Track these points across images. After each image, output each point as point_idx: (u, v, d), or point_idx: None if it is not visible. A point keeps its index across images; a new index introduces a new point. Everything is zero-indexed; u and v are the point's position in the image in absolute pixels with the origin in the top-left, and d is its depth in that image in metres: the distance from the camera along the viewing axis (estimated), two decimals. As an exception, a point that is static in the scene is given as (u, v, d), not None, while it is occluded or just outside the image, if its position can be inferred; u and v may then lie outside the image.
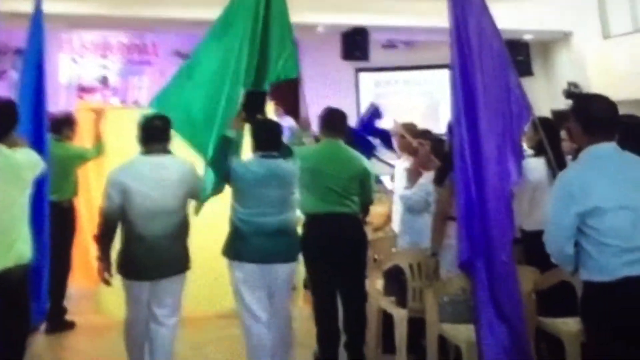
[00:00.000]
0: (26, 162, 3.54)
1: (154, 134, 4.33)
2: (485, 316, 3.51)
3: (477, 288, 3.54)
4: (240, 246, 4.35)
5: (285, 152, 4.55)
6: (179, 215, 4.33)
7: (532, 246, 4.14)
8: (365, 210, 5.16)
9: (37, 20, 5.06)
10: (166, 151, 4.38)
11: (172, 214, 4.27)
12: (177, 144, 4.56)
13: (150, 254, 4.21)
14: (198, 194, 4.48)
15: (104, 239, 4.30)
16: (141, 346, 4.35)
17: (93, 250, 6.45)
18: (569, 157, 4.36)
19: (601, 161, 2.97)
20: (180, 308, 4.44)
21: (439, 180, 4.47)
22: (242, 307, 4.37)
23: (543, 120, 4.32)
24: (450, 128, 4.43)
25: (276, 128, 4.59)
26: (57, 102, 9.20)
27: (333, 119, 5.05)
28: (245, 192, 4.37)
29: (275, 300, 4.42)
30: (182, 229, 4.37)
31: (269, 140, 4.48)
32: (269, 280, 4.36)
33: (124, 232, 4.30)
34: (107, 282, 4.32)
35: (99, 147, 6.24)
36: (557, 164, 4.05)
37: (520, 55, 10.01)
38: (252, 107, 4.55)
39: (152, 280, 4.25)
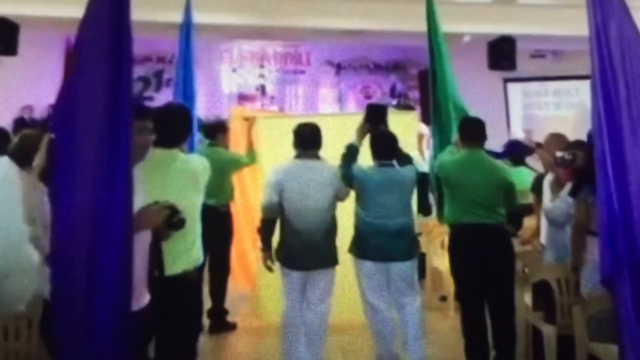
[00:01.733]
0: (201, 167, 3.65)
1: (304, 140, 4.91)
2: (628, 336, 3.39)
3: (620, 306, 3.41)
4: (364, 246, 4.83)
5: (403, 160, 4.98)
6: (329, 214, 4.86)
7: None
8: (515, 221, 5.07)
9: (187, 28, 5.38)
10: (316, 156, 4.92)
11: (323, 212, 4.82)
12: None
13: (305, 247, 4.77)
14: (344, 195, 4.94)
15: (264, 231, 4.89)
16: (297, 333, 4.83)
17: (251, 253, 6.95)
18: None
19: None
20: (330, 298, 4.92)
21: (574, 193, 4.35)
22: (364, 299, 4.88)
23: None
24: (589, 138, 4.33)
25: (393, 139, 4.96)
26: (220, 110, 9.73)
27: (473, 129, 5.01)
28: (366, 197, 4.85)
29: (395, 295, 4.86)
30: (332, 226, 4.89)
31: (386, 150, 4.93)
32: (387, 276, 4.83)
33: (282, 226, 4.88)
34: (269, 269, 4.90)
35: (251, 155, 6.29)
36: None
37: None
38: (375, 119, 4.97)
39: (307, 271, 4.80)
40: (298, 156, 4.94)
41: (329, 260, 4.87)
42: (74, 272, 2.47)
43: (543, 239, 5.18)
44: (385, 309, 4.85)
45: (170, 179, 3.44)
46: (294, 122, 5.25)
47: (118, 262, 2.53)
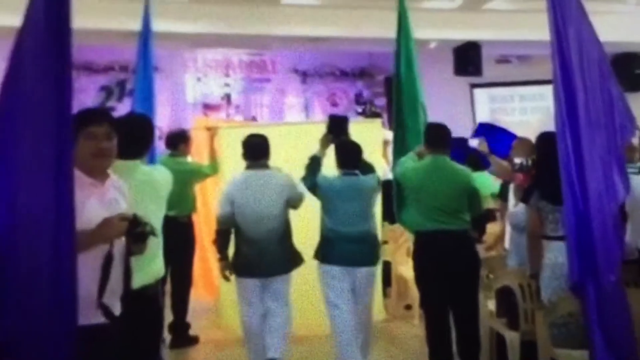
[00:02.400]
0: (162, 179, 3.59)
1: (253, 151, 5.07)
2: (597, 341, 3.35)
3: (589, 310, 3.38)
4: (328, 251, 4.94)
5: (366, 169, 5.08)
6: (281, 221, 5.01)
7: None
8: (479, 227, 5.07)
9: (145, 36, 5.30)
10: (266, 166, 5.07)
11: (274, 220, 4.96)
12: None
13: (259, 255, 4.93)
14: (296, 202, 5.09)
15: (220, 242, 5.06)
16: (258, 340, 4.95)
17: (214, 264, 6.82)
18: None
19: None
20: (290, 303, 5.08)
21: (525, 199, 4.32)
22: (327, 302, 4.95)
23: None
24: (540, 143, 4.32)
25: (356, 148, 5.08)
26: (185, 120, 9.59)
27: (438, 135, 4.99)
28: (330, 205, 4.98)
29: (357, 299, 4.95)
30: (285, 233, 5.05)
31: (350, 159, 5.03)
32: (351, 280, 4.90)
33: (237, 236, 5.05)
34: (226, 278, 5.09)
35: (213, 165, 6.27)
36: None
37: (638, 68, 9.51)
38: (337, 130, 5.16)
39: (263, 278, 4.95)
40: (248, 167, 5.09)
41: (285, 266, 5.02)
42: (17, 276, 2.42)
43: (507, 244, 5.17)
44: (348, 312, 4.90)
45: (131, 191, 3.32)
46: (257, 131, 5.35)
47: (59, 273, 2.45)
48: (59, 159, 2.48)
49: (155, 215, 3.37)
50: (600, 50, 3.57)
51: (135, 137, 3.47)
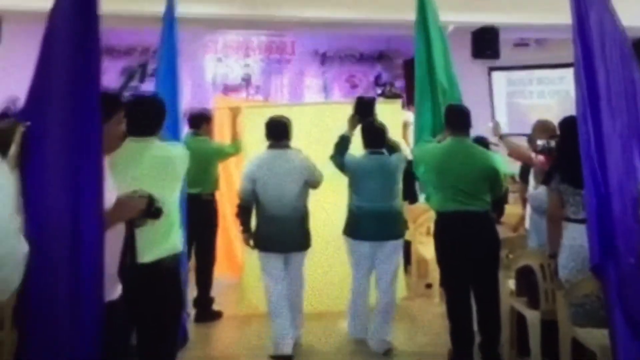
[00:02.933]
0: (178, 155, 3.64)
1: (275, 132, 5.31)
2: (618, 321, 3.42)
3: (609, 291, 3.45)
4: (356, 227, 5.30)
5: (391, 148, 5.40)
6: (300, 200, 5.26)
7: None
8: (498, 209, 5.14)
9: (170, 20, 5.38)
10: (287, 146, 5.33)
11: (294, 198, 5.22)
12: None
13: (280, 231, 5.20)
14: (315, 182, 5.35)
15: (242, 216, 5.35)
16: (281, 305, 5.22)
17: (237, 242, 7.02)
18: None
19: None
20: (304, 277, 5.44)
21: (546, 181, 4.38)
22: (353, 276, 5.39)
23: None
24: (562, 126, 4.37)
25: (382, 129, 5.39)
26: (205, 101, 9.66)
27: (458, 117, 5.04)
28: (357, 183, 5.30)
29: (381, 274, 5.33)
30: (303, 212, 5.31)
31: (376, 139, 5.35)
32: (377, 253, 5.28)
33: (258, 212, 5.33)
34: (250, 246, 5.38)
35: (236, 145, 6.35)
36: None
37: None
38: (364, 111, 5.41)
39: (283, 253, 5.25)
40: (270, 147, 5.34)
41: (302, 243, 5.33)
42: (46, 263, 2.43)
43: (527, 224, 5.23)
44: (366, 289, 5.38)
45: (144, 167, 3.44)
46: (278, 112, 5.62)
47: (91, 254, 2.53)
48: (88, 142, 2.56)
49: (168, 191, 3.48)
50: (621, 34, 3.60)
51: (148, 115, 3.60)
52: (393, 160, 5.36)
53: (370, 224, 5.26)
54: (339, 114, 5.70)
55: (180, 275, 3.72)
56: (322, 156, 5.47)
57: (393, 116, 6.44)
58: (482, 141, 5.59)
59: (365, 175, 5.29)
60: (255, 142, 5.95)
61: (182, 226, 3.95)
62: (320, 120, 6.35)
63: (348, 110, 5.55)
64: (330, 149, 5.43)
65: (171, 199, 3.52)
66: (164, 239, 3.47)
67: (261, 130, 5.42)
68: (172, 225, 3.55)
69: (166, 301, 3.52)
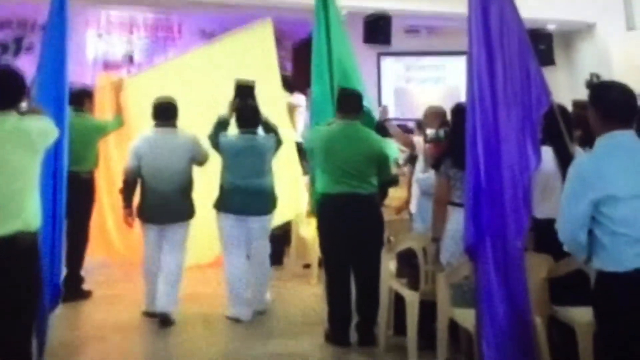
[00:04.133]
0: (37, 128, 3.48)
1: (161, 113, 5.59)
2: (487, 302, 3.50)
3: (480, 274, 3.53)
4: (226, 202, 5.52)
5: (268, 129, 5.68)
6: (184, 175, 5.54)
7: (544, 234, 4.11)
8: (382, 192, 5.20)
9: None
10: (173, 125, 5.61)
11: (177, 174, 5.50)
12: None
13: (161, 204, 5.47)
14: (200, 159, 5.61)
15: (126, 191, 5.64)
16: (154, 276, 5.48)
17: (111, 221, 7.11)
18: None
19: (617, 149, 2.93)
20: (185, 248, 5.63)
21: (435, 166, 4.48)
22: (224, 249, 5.59)
23: (561, 109, 4.26)
24: (454, 113, 4.47)
25: (255, 109, 5.65)
26: (83, 77, 9.28)
27: (348, 100, 5.11)
28: (229, 161, 5.54)
29: (253, 245, 5.59)
30: (187, 186, 5.58)
31: (248, 120, 5.60)
32: (246, 228, 5.52)
33: (142, 187, 5.59)
34: (129, 224, 5.70)
35: (118, 119, 6.40)
36: (565, 153, 4.02)
37: (542, 44, 9.94)
38: (243, 95, 5.64)
39: (163, 224, 5.50)
40: (156, 125, 5.61)
41: (183, 214, 5.58)
42: None
43: (413, 208, 5.32)
44: (239, 257, 5.54)
45: None
46: (159, 75, 6.37)
47: None
48: None
49: (25, 164, 3.36)
50: (520, 26, 3.71)
51: (5, 89, 3.44)
52: (265, 140, 5.62)
53: (238, 199, 5.48)
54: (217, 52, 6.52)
55: (38, 255, 3.47)
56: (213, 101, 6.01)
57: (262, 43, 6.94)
58: (382, 126, 5.65)
59: (236, 154, 5.52)
60: (141, 113, 6.08)
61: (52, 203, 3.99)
62: (202, 65, 6.78)
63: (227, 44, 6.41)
64: (220, 90, 5.93)
65: (28, 173, 3.39)
66: (18, 214, 3.30)
67: (144, 99, 5.67)
68: (28, 201, 3.37)
69: (22, 282, 3.33)
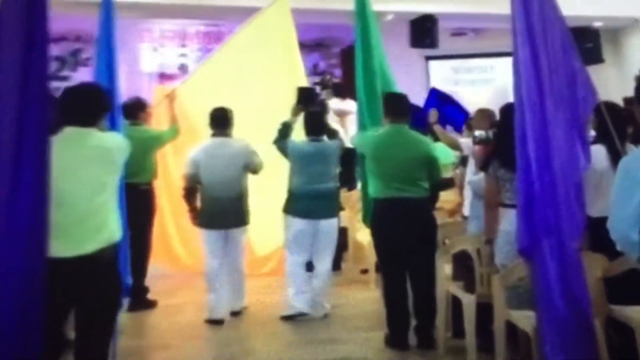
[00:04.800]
0: (117, 145, 3.56)
1: (217, 122, 5.89)
2: (547, 304, 3.47)
3: (538, 276, 3.48)
4: (295, 206, 5.73)
5: (331, 135, 5.96)
6: (239, 183, 5.84)
7: (598, 233, 4.05)
8: (434, 195, 5.21)
9: (107, 7, 5.23)
10: (228, 134, 5.91)
11: (233, 181, 5.79)
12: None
13: (221, 210, 5.75)
14: (254, 168, 5.87)
15: (188, 197, 5.95)
16: (218, 278, 5.76)
17: (173, 231, 7.30)
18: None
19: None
20: (245, 251, 6.05)
21: (484, 167, 4.46)
22: (288, 250, 5.85)
23: (610, 106, 4.17)
24: (503, 113, 4.44)
25: (322, 117, 6.06)
26: (140, 90, 9.46)
27: (396, 104, 5.15)
28: (297, 166, 5.76)
29: (320, 249, 5.80)
30: (243, 193, 5.87)
31: (316, 127, 5.82)
32: (314, 231, 5.73)
33: (202, 194, 5.89)
34: (197, 225, 5.93)
35: (174, 129, 6.51)
36: (618, 151, 3.95)
37: (590, 42, 9.80)
38: (305, 101, 5.92)
39: (224, 229, 5.77)
40: (213, 135, 5.92)
41: (242, 219, 5.88)
42: None
43: (466, 211, 5.31)
44: (303, 261, 5.81)
45: (82, 156, 3.36)
46: (203, 77, 7.15)
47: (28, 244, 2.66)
48: (35, 131, 2.66)
49: (105, 181, 3.42)
50: (562, 24, 3.66)
51: (87, 105, 3.50)
52: (331, 145, 5.86)
53: (307, 203, 5.68)
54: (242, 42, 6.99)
55: (117, 265, 3.61)
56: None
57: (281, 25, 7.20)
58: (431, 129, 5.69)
59: (305, 159, 5.73)
60: (196, 115, 6.61)
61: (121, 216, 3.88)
62: (233, 58, 7.20)
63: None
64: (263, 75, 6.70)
65: (109, 189, 3.45)
66: (100, 230, 3.38)
67: (199, 103, 6.30)
68: (107, 216, 3.44)
69: (106, 292, 3.42)
